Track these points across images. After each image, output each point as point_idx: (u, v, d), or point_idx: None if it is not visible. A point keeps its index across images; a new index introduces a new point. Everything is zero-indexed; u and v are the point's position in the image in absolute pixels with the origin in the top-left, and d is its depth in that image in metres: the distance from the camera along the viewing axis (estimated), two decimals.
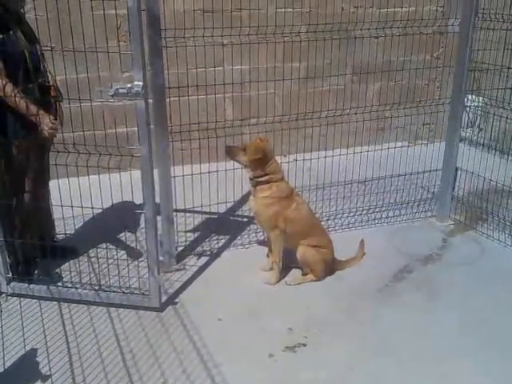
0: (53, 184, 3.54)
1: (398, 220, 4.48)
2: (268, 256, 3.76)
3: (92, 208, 3.17)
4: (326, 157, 4.19)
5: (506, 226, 4.22)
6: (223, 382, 2.73)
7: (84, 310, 3.28)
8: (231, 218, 4.46)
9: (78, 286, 3.39)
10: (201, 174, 3.82)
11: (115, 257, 3.57)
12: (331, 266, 3.68)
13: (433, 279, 3.67)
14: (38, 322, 3.17)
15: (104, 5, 2.96)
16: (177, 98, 3.99)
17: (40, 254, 3.52)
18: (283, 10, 5.02)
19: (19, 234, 3.35)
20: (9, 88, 3.01)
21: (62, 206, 3.20)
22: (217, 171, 3.87)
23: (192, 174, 3.80)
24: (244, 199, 4.26)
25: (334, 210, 4.47)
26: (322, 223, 4.03)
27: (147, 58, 3.09)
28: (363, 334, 3.14)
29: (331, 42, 4.29)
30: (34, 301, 3.35)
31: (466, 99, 4.27)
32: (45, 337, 3.04)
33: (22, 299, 3.36)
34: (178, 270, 3.72)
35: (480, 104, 5.13)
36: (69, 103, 3.38)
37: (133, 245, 3.96)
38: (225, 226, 4.31)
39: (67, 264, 3.67)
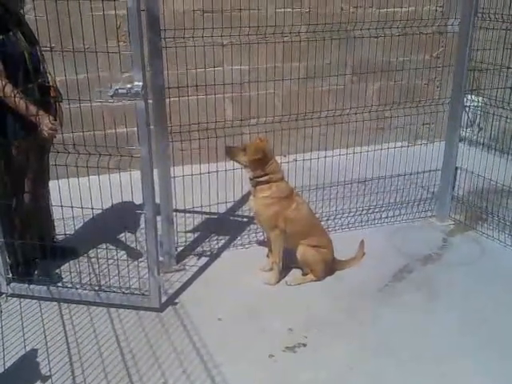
0: (53, 184, 3.54)
1: (397, 220, 4.48)
2: (268, 256, 3.76)
3: (92, 208, 3.17)
4: (325, 157, 4.19)
5: (506, 225, 4.22)
6: (223, 382, 2.73)
7: (84, 311, 3.28)
8: (231, 218, 4.47)
9: (77, 286, 3.39)
10: (201, 174, 3.82)
11: (115, 257, 3.56)
12: (331, 266, 3.68)
13: (433, 279, 3.68)
14: (38, 322, 3.17)
15: (103, 5, 2.96)
16: (176, 99, 4.00)
17: (40, 255, 3.52)
18: (283, 10, 5.02)
19: (19, 234, 3.35)
20: (9, 89, 3.01)
21: (61, 206, 3.21)
22: (217, 171, 3.87)
23: (192, 175, 3.81)
24: (244, 199, 4.27)
25: (333, 210, 4.47)
26: (322, 223, 4.03)
27: (147, 58, 3.09)
28: (363, 334, 3.14)
29: (331, 41, 4.29)
30: (34, 301, 3.35)
31: (465, 99, 4.27)
32: (45, 337, 3.04)
33: (21, 300, 3.36)
34: (177, 270, 3.72)
35: (480, 104, 5.13)
36: (68, 104, 3.38)
37: (133, 245, 3.96)
38: (225, 226, 4.31)
39: (67, 264, 3.67)
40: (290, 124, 4.24)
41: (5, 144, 3.16)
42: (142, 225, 3.61)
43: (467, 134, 5.55)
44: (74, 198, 3.21)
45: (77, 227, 3.93)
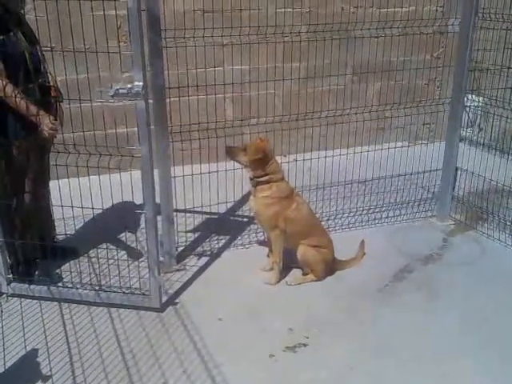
0: (53, 184, 3.54)
1: (398, 220, 4.49)
2: (268, 256, 3.76)
3: (92, 208, 3.18)
4: (326, 157, 4.19)
5: (507, 225, 4.22)
6: (223, 382, 2.73)
7: (84, 311, 3.28)
8: (231, 218, 4.47)
9: (78, 286, 3.39)
10: (201, 174, 3.82)
11: (115, 257, 3.56)
12: (331, 266, 3.68)
13: (433, 279, 3.68)
14: (39, 322, 3.17)
15: (104, 5, 2.96)
16: (177, 99, 3.99)
17: (40, 255, 3.52)
18: (283, 10, 5.02)
19: (19, 234, 3.35)
20: (9, 89, 3.01)
21: (62, 206, 3.21)
22: (217, 171, 3.87)
23: (192, 174, 3.81)
24: (244, 199, 4.27)
25: (334, 210, 4.47)
26: (323, 223, 4.03)
27: (147, 58, 3.09)
28: (363, 333, 3.14)
29: (331, 41, 4.29)
30: (35, 301, 3.35)
31: (466, 99, 4.27)
32: (45, 337, 3.04)
33: (22, 300, 3.37)
34: (178, 270, 3.73)
35: (480, 104, 5.12)
36: (69, 104, 3.39)
37: (133, 245, 3.96)
38: (225, 226, 4.31)
39: (67, 264, 3.67)
40: (291, 124, 4.24)
41: (5, 144, 3.16)
42: (143, 225, 3.61)
43: (467, 134, 5.55)
44: (74, 197, 3.21)
45: (77, 227, 3.93)
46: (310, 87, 5.39)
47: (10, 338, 3.03)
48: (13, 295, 3.38)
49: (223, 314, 3.27)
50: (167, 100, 3.43)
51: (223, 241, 4.12)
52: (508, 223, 4.22)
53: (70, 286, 3.40)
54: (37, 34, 3.33)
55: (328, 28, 4.15)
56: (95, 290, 3.34)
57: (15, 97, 3.01)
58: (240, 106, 5.26)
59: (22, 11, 3.32)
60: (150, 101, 3.07)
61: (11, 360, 2.87)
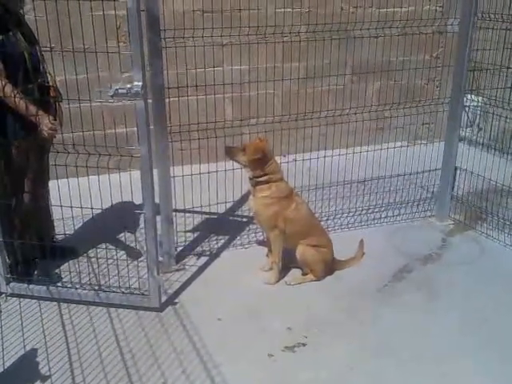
0: (52, 184, 3.54)
1: (397, 220, 4.49)
2: (267, 256, 3.76)
3: (91, 208, 3.17)
4: (325, 157, 4.19)
5: (506, 225, 4.22)
6: (223, 382, 2.73)
7: (84, 311, 3.28)
8: (231, 218, 4.46)
9: (77, 286, 3.39)
10: (200, 174, 3.82)
11: (115, 257, 3.57)
12: (331, 266, 3.68)
13: (432, 279, 3.68)
14: (38, 322, 3.17)
15: (103, 5, 2.96)
16: (176, 99, 4.00)
17: (39, 255, 3.52)
18: (282, 10, 5.02)
19: (19, 234, 3.35)
20: (8, 88, 3.01)
21: (61, 206, 3.21)
22: (216, 171, 3.87)
23: (191, 174, 3.81)
24: (243, 199, 4.27)
25: (333, 210, 4.47)
26: (322, 223, 4.03)
27: (147, 58, 3.09)
28: (363, 333, 3.14)
29: (331, 41, 4.29)
30: (34, 301, 3.35)
31: (465, 99, 4.28)
32: (44, 337, 3.04)
33: (21, 299, 3.36)
34: (177, 270, 3.72)
35: (479, 104, 5.13)
36: (68, 104, 3.39)
37: (132, 245, 3.96)
38: (224, 226, 4.31)
39: (67, 264, 3.67)
40: (290, 124, 4.24)
41: (5, 144, 3.16)
42: (142, 225, 3.61)
43: (467, 134, 5.55)
44: (73, 197, 3.21)
45: (76, 227, 3.93)
46: (309, 87, 5.39)
47: (9, 338, 3.03)
48: (12, 295, 3.38)
49: (222, 314, 3.27)
50: (166, 100, 3.43)
51: (222, 241, 4.12)
52: (507, 223, 4.22)
53: (69, 285, 3.40)
54: (36, 34, 3.32)
55: (327, 28, 4.15)
56: (94, 290, 3.34)
57: (14, 97, 3.01)
58: (239, 106, 5.26)
59: (22, 11, 3.32)
60: (150, 101, 3.07)
61: (10, 360, 2.86)
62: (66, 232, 3.89)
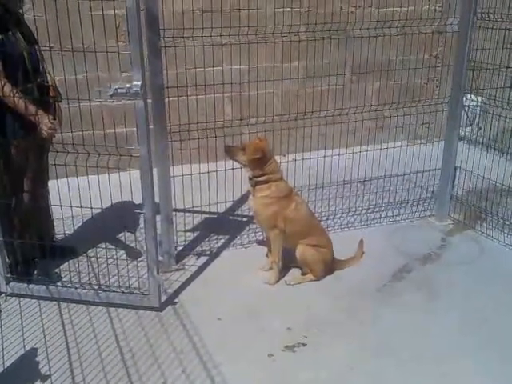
0: (52, 184, 3.54)
1: (397, 219, 4.49)
2: (267, 256, 3.76)
3: (91, 208, 3.18)
4: (325, 156, 4.19)
5: (505, 225, 4.22)
6: (223, 382, 2.72)
7: (83, 310, 3.28)
8: (230, 217, 4.46)
9: (77, 285, 3.39)
10: (200, 173, 3.82)
11: (114, 257, 3.57)
12: (330, 266, 3.68)
13: (432, 279, 3.68)
14: (38, 321, 3.17)
15: (103, 5, 2.97)
16: (176, 98, 3.99)
17: (39, 254, 3.52)
18: (282, 9, 5.02)
19: (18, 234, 3.34)
20: (8, 88, 3.01)
21: (61, 206, 3.20)
22: (216, 171, 3.87)
23: (191, 174, 3.80)
24: (243, 199, 4.27)
25: (333, 210, 4.47)
26: (322, 223, 4.03)
27: (146, 58, 3.08)
28: (363, 333, 3.14)
29: (330, 41, 4.29)
30: (34, 301, 3.35)
31: (464, 98, 4.27)
32: (44, 337, 3.04)
33: (21, 299, 3.36)
34: (177, 269, 3.72)
35: (479, 103, 5.14)
36: (68, 103, 3.39)
37: (132, 245, 3.96)
38: (224, 225, 4.31)
39: (66, 264, 3.67)
40: (290, 124, 4.24)
41: (4, 144, 3.16)
42: (142, 224, 3.61)
43: (466, 134, 5.56)
44: (73, 197, 3.20)
45: (76, 227, 3.92)
46: (309, 87, 5.38)
47: (8, 338, 3.03)
48: (12, 295, 3.38)
49: (222, 314, 3.27)
50: (166, 100, 3.43)
51: (222, 240, 4.12)
52: (507, 223, 4.22)
53: (68, 285, 3.40)
54: (35, 34, 3.32)
55: (327, 28, 4.15)
56: (94, 290, 3.34)
57: (14, 96, 3.01)
58: (239, 106, 5.26)
59: (21, 11, 3.31)
60: (149, 100, 3.07)
61: (10, 359, 2.86)
62: (66, 232, 3.89)
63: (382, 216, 4.50)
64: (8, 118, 3.13)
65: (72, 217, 3.43)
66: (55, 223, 3.82)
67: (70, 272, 3.53)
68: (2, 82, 2.99)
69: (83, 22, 3.43)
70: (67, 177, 3.24)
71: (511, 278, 3.70)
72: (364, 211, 4.55)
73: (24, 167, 3.29)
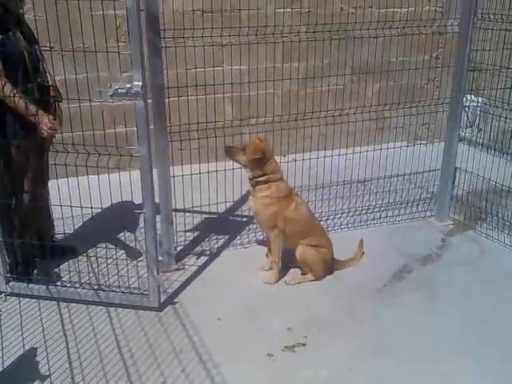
0: (52, 184, 3.55)
1: (397, 220, 4.49)
2: (267, 256, 3.76)
3: (91, 208, 3.18)
4: (325, 157, 4.19)
5: (505, 225, 4.22)
6: (222, 382, 2.72)
7: (83, 310, 3.28)
8: (230, 217, 4.46)
9: (77, 285, 3.39)
10: (200, 173, 3.82)
11: (114, 256, 3.57)
12: (330, 266, 3.68)
13: (432, 279, 3.68)
14: (37, 321, 3.17)
15: (103, 5, 2.97)
16: (176, 98, 4.00)
17: (39, 254, 3.52)
18: (282, 10, 5.02)
19: (18, 233, 3.35)
20: (8, 88, 3.01)
21: (61, 205, 3.20)
22: (216, 171, 3.87)
23: (191, 174, 3.81)
24: (243, 199, 4.27)
25: (333, 210, 4.47)
26: (322, 223, 4.03)
27: (146, 58, 3.09)
28: (363, 333, 3.14)
29: (330, 42, 4.29)
30: (33, 300, 3.35)
31: (465, 99, 4.28)
32: (44, 336, 3.04)
33: (21, 299, 3.36)
34: (177, 269, 3.72)
35: (479, 104, 5.14)
36: (68, 103, 3.39)
37: (132, 244, 3.96)
38: (224, 225, 4.31)
39: (66, 264, 3.67)
40: (290, 124, 4.25)
41: (4, 144, 3.16)
42: (142, 224, 3.61)
43: (466, 135, 5.56)
44: (73, 197, 3.20)
45: (76, 226, 3.92)
46: (309, 87, 5.39)
47: (8, 338, 3.03)
48: (11, 294, 3.38)
49: (222, 314, 3.27)
50: (166, 100, 3.43)
51: (222, 240, 4.12)
52: (507, 223, 4.22)
53: (68, 285, 3.40)
54: (36, 34, 3.32)
55: (327, 28, 4.16)
56: (94, 290, 3.34)
57: (14, 96, 3.01)
58: (239, 106, 5.26)
59: (21, 11, 3.32)
60: (149, 100, 3.07)
61: (10, 359, 2.86)
62: (66, 231, 3.90)
63: (382, 216, 4.50)
64: (8, 118, 3.13)
65: (72, 217, 3.43)
66: (55, 223, 3.83)
67: (69, 272, 3.53)
68: (3, 82, 2.99)
69: (83, 21, 3.44)
70: (67, 177, 3.24)
71: (511, 278, 3.70)
72: (364, 211, 4.55)
73: (24, 167, 3.30)
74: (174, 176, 3.58)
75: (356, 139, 4.36)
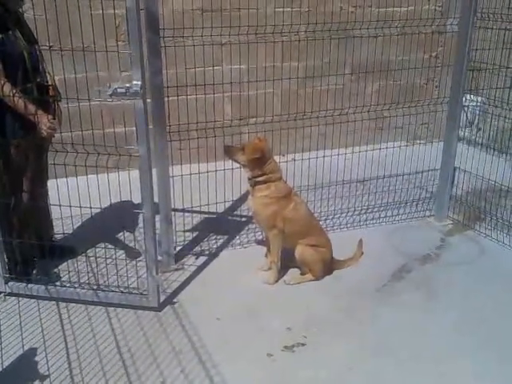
0: (51, 184, 3.54)
1: (396, 219, 4.49)
2: (266, 256, 3.76)
3: (90, 208, 3.17)
4: (324, 156, 4.19)
5: (505, 225, 4.22)
6: (222, 382, 2.72)
7: (82, 310, 3.28)
8: (230, 217, 4.46)
9: (76, 285, 3.39)
10: (199, 173, 3.82)
11: (113, 256, 3.56)
12: (329, 266, 3.68)
13: (431, 279, 3.68)
14: (37, 321, 3.17)
15: (103, 4, 2.97)
16: (175, 98, 3.98)
17: (38, 254, 3.52)
18: (282, 9, 5.02)
19: (17, 233, 3.34)
20: (7, 88, 3.01)
21: (60, 205, 3.20)
22: (215, 171, 3.87)
23: (190, 174, 3.80)
24: (242, 199, 4.26)
25: (332, 210, 4.47)
26: (321, 223, 4.03)
27: (146, 57, 3.08)
28: (362, 333, 3.14)
29: (330, 41, 4.29)
30: (33, 300, 3.34)
31: (464, 99, 4.28)
32: (43, 336, 3.03)
33: (20, 299, 3.36)
34: (176, 269, 3.72)
35: (478, 103, 5.13)
36: (67, 103, 3.38)
37: (131, 244, 3.96)
38: (223, 225, 4.31)
39: (65, 264, 3.66)
40: (289, 123, 4.24)
41: (3, 143, 3.16)
42: (141, 224, 3.60)
43: (466, 134, 5.55)
44: (72, 197, 3.20)
45: (75, 226, 3.92)
46: (308, 87, 5.38)
47: (7, 338, 3.02)
48: (10, 294, 3.38)
49: (221, 314, 3.27)
50: (166, 99, 3.42)
51: (221, 240, 4.12)
52: (506, 223, 4.22)
53: (67, 285, 3.40)
54: (35, 33, 3.32)
55: (327, 27, 4.15)
56: (93, 290, 3.33)
57: (13, 96, 3.01)
58: (239, 106, 5.26)
59: (21, 10, 3.31)
60: (149, 100, 3.07)
61: (9, 359, 2.86)
62: (65, 231, 3.89)
63: (382, 216, 4.50)
64: (8, 117, 3.13)
65: (71, 216, 3.43)
66: (54, 223, 3.82)
67: (68, 272, 3.53)
68: (2, 82, 2.99)
69: (83, 21, 3.44)
70: (66, 176, 3.24)
71: (510, 278, 3.70)
72: (363, 211, 4.55)
73: (23, 167, 3.29)
74: (173, 176, 3.58)
75: (355, 139, 4.36)
